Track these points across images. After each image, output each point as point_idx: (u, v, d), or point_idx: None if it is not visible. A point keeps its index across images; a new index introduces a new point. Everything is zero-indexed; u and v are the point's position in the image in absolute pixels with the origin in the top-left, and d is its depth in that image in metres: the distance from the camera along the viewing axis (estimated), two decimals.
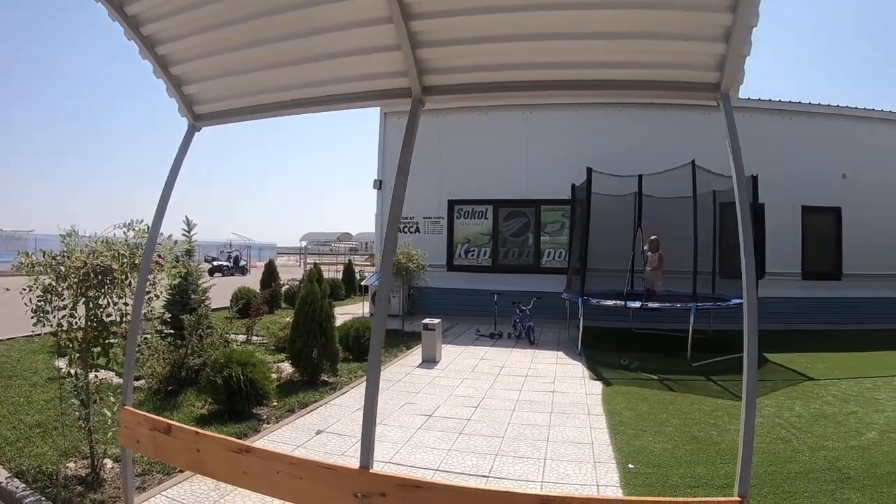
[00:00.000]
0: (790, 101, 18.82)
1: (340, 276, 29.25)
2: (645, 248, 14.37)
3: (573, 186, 15.82)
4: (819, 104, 19.08)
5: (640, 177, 13.45)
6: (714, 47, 3.07)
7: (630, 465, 6.04)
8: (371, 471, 3.17)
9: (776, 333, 15.15)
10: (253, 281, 24.69)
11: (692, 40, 3.07)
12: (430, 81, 3.54)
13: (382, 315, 3.31)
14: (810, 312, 18.03)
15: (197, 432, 3.73)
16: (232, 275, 43.87)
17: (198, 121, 4.36)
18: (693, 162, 12.89)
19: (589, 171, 13.39)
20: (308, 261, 47.74)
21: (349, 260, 35.46)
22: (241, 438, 6.56)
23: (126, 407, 4.00)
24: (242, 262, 50.76)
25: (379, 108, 19.36)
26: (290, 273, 31.72)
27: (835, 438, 7.15)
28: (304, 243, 63.61)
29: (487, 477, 5.62)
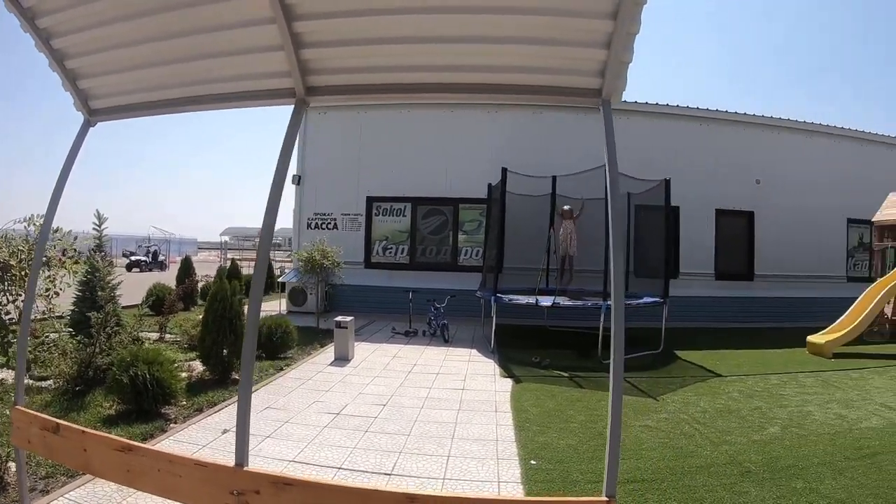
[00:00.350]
0: (708, 109, 19.66)
1: None
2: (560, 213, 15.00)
3: (489, 186, 15.93)
4: (735, 112, 20.11)
5: (555, 178, 13.70)
6: (596, 53, 3.13)
7: (532, 462, 6.10)
8: (246, 469, 3.12)
9: (689, 331, 15.61)
10: (171, 277, 24.19)
11: (574, 46, 3.12)
12: (314, 82, 3.53)
13: (254, 319, 3.36)
14: (723, 311, 18.70)
15: (83, 431, 3.69)
16: (150, 270, 42.85)
17: (93, 116, 4.25)
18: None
19: (504, 171, 13.50)
20: (229, 256, 46.93)
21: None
22: (147, 439, 6.44)
23: (17, 407, 3.92)
24: (161, 258, 49.48)
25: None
26: (210, 268, 31.17)
27: (737, 433, 7.38)
28: (224, 238, 62.59)
29: (390, 475, 5.61)
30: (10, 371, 5.94)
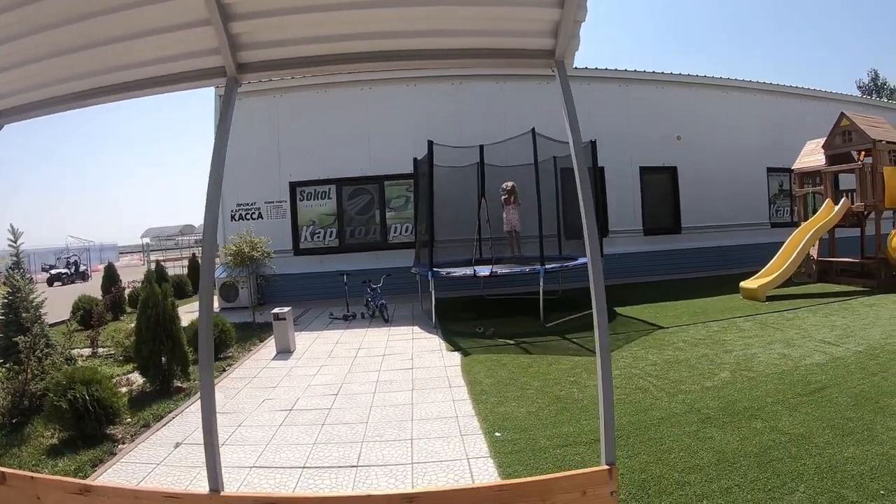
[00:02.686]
0: (626, 70, 20.13)
1: (186, 271, 28.16)
2: (503, 196, 14.99)
3: (415, 160, 15.76)
4: (653, 72, 20.78)
5: (482, 147, 13.54)
6: (548, 13, 3.00)
7: (497, 434, 6.06)
8: (223, 493, 2.93)
9: (623, 287, 15.85)
10: (96, 287, 23.46)
11: (524, 6, 2.99)
12: (246, 58, 3.28)
13: (207, 325, 3.19)
14: (653, 265, 19.11)
15: (32, 477, 3.31)
16: (73, 282, 41.35)
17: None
18: (533, 130, 13.09)
19: (430, 143, 13.34)
20: (151, 259, 45.75)
21: (193, 253, 34.14)
22: (96, 465, 6.08)
23: None
24: (83, 267, 47.79)
25: (213, 89, 18.71)
26: (135, 273, 30.32)
27: (690, 382, 7.54)
28: (145, 240, 60.93)
29: (356, 467, 5.46)
30: None
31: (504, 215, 15.03)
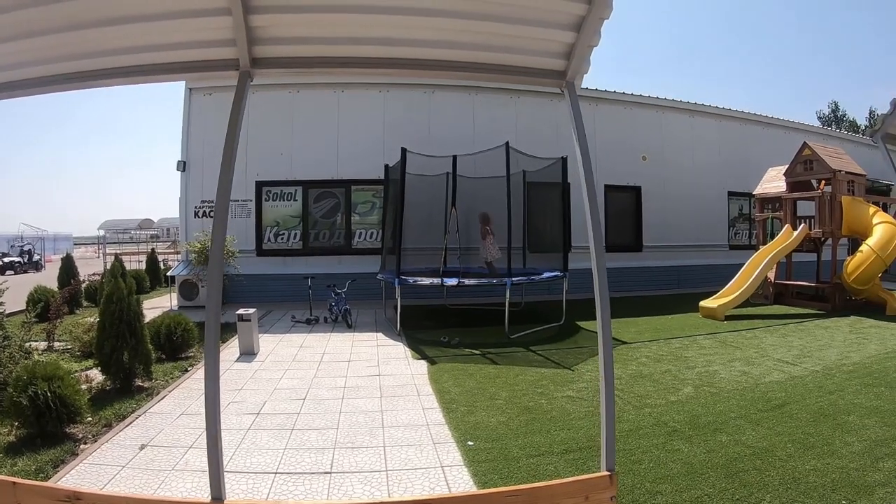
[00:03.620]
0: (596, 89, 20.31)
1: (143, 266, 27.78)
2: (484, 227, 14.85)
3: (386, 167, 15.81)
4: (623, 93, 21.09)
5: (455, 157, 13.51)
6: (564, 35, 3.06)
7: (469, 443, 6.08)
8: (227, 502, 2.84)
9: (585, 302, 15.67)
10: (49, 278, 22.93)
11: (543, 27, 3.03)
12: (261, 53, 3.21)
13: (214, 329, 3.00)
14: (615, 282, 19.18)
15: (14, 482, 3.07)
16: (26, 272, 40.20)
17: None
18: (507, 144, 13.13)
19: (403, 151, 13.33)
20: (108, 251, 44.96)
21: (152, 248, 33.67)
22: (57, 466, 5.88)
23: None
24: (36, 257, 46.68)
25: (184, 83, 18.48)
26: (90, 266, 29.79)
27: (655, 396, 7.70)
28: (102, 232, 59.93)
29: (330, 473, 5.42)
30: None
31: (483, 246, 14.79)
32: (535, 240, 15.72)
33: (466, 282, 13.31)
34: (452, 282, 13.09)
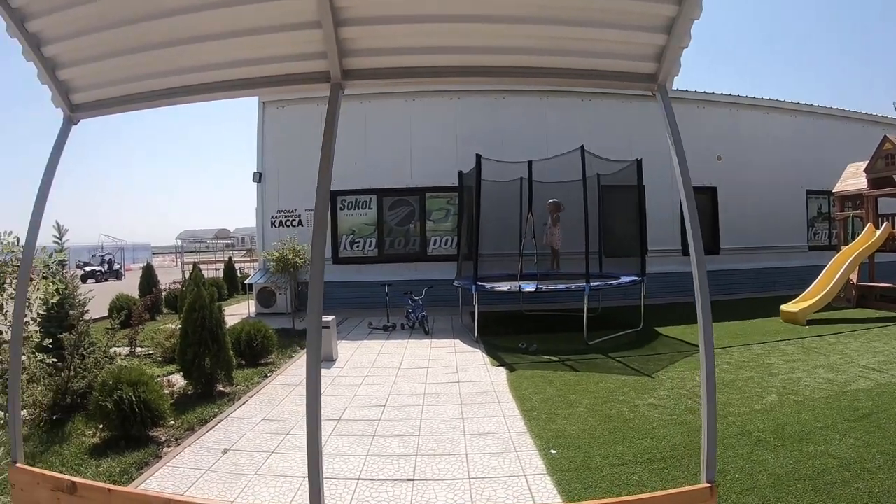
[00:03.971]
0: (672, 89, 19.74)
1: (220, 274, 28.37)
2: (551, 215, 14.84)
3: (460, 173, 15.80)
4: (694, 91, 20.53)
5: (530, 162, 13.46)
6: (655, 38, 2.98)
7: (552, 451, 5.98)
8: None
9: (662, 307, 15.69)
10: (129, 286, 23.57)
11: (634, 30, 2.95)
12: (352, 64, 3.17)
13: (316, 338, 2.90)
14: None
15: (109, 489, 3.14)
16: (106, 280, 42.02)
17: (75, 112, 3.70)
18: (582, 147, 12.95)
19: (478, 157, 13.32)
20: (185, 260, 46.28)
21: (230, 257, 34.38)
22: (141, 468, 6.04)
23: (18, 465, 3.35)
24: (117, 266, 48.48)
25: (257, 98, 18.82)
26: (169, 274, 30.53)
27: (738, 404, 7.45)
28: (179, 242, 61.73)
29: (412, 480, 5.40)
30: None
31: (547, 232, 14.86)
32: (610, 244, 15.41)
33: (544, 287, 13.12)
34: (530, 287, 12.88)
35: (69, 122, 3.70)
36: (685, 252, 18.97)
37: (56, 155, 3.59)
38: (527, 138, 17.36)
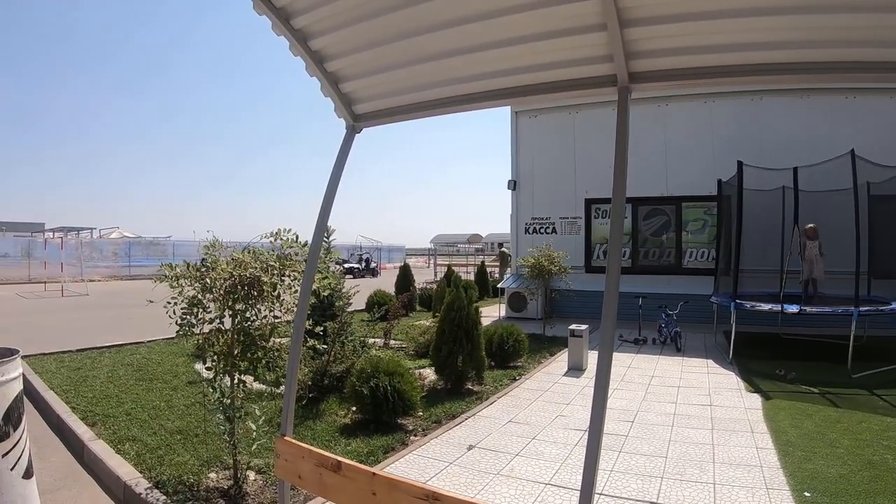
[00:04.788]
0: None
1: (471, 277, 29.27)
2: (801, 239, 13.37)
3: (719, 182, 15.17)
4: None
5: (795, 169, 12.45)
6: None
7: (806, 494, 5.60)
8: None
9: None
10: (383, 283, 24.96)
11: None
12: (637, 67, 3.03)
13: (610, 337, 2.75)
14: None
15: (374, 473, 3.33)
16: (363, 276, 45.60)
17: (357, 121, 4.02)
18: (853, 152, 11.79)
19: (740, 164, 12.74)
20: (438, 262, 48.62)
21: (482, 261, 35.45)
22: (388, 452, 6.57)
23: (286, 437, 3.74)
24: (373, 265, 52.10)
25: (509, 107, 19.21)
26: (421, 275, 32.01)
27: None
28: (431, 245, 64.80)
29: (656, 503, 5.34)
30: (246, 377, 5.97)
31: (804, 254, 13.38)
32: (881, 263, 13.77)
33: (808, 310, 12.16)
34: (793, 309, 12.02)
35: (352, 131, 4.01)
36: None
37: (341, 162, 3.91)
38: (786, 142, 16.01)
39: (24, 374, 4.73)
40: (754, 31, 2.72)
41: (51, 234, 44.13)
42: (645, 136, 17.91)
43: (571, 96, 3.39)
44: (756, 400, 9.03)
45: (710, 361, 12.01)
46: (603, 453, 6.41)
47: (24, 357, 5.23)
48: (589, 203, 18.74)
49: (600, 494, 5.49)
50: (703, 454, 6.62)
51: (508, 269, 29.14)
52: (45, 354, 11.69)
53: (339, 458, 3.45)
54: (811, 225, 13.15)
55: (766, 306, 12.55)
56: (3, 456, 4.16)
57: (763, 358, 12.15)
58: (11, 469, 4.22)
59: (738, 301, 12.41)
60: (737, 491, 5.63)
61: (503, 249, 36.17)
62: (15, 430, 4.25)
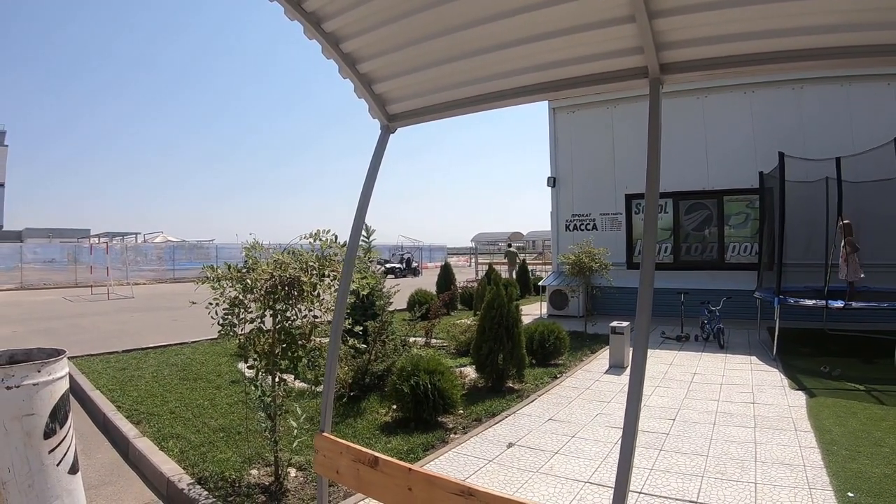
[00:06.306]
0: None
1: (514, 276, 29.21)
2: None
3: (761, 174, 14.93)
4: None
5: (838, 159, 12.14)
6: None
7: (850, 494, 5.50)
8: None
9: None
10: (424, 282, 25.04)
11: None
12: (668, 58, 2.98)
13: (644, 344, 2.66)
14: None
15: (410, 469, 3.35)
16: (404, 276, 45.90)
17: (392, 121, 4.04)
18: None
19: (781, 155, 12.50)
20: (479, 261, 48.65)
21: (523, 259, 35.38)
22: (427, 449, 6.62)
23: (324, 434, 3.78)
24: (414, 264, 52.41)
25: (547, 103, 19.16)
26: (462, 273, 32.04)
27: None
28: (472, 244, 64.83)
29: (695, 503, 5.29)
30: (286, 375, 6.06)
31: (846, 265, 12.75)
32: None
33: (854, 304, 11.90)
34: (838, 304, 11.84)
35: (387, 132, 4.03)
36: None
37: (376, 162, 3.94)
38: (829, 132, 15.60)
39: (70, 375, 4.85)
40: (786, 17, 2.64)
41: (96, 240, 44.95)
42: (684, 129, 17.73)
43: (603, 90, 3.37)
44: (800, 397, 8.89)
45: (754, 358, 11.84)
46: (643, 451, 6.45)
47: (71, 358, 5.37)
48: (629, 198, 18.61)
49: (640, 493, 5.46)
50: (744, 453, 6.54)
51: (515, 268, 29.17)
52: (91, 355, 11.97)
53: (376, 454, 3.48)
54: (845, 221, 12.61)
55: (809, 302, 12.31)
56: (50, 452, 4.27)
57: (808, 354, 11.95)
58: (58, 465, 4.33)
59: (781, 296, 12.17)
60: (778, 491, 5.56)
61: (510, 249, 36.16)
62: (61, 427, 4.36)
